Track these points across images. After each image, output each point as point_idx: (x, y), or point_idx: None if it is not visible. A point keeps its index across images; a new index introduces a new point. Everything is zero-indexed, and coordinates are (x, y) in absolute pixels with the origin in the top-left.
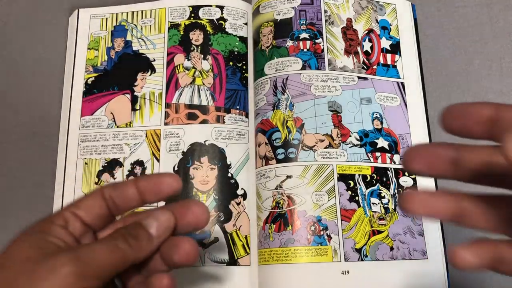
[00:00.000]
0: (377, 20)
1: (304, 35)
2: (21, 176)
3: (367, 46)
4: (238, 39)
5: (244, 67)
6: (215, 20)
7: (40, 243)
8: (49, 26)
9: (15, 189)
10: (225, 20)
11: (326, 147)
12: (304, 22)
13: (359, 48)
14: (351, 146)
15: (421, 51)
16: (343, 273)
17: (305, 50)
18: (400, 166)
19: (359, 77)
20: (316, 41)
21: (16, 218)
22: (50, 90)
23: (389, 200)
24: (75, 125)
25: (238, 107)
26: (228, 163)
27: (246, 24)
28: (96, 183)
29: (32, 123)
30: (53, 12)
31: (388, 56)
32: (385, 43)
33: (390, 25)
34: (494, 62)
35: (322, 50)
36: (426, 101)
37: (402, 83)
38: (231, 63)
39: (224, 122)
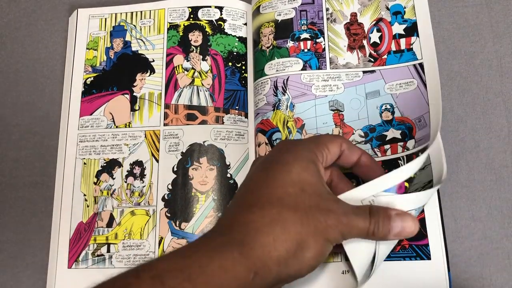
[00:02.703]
0: (387, 7)
1: (304, 35)
2: (21, 176)
3: (375, 37)
4: (237, 39)
5: (243, 67)
6: (214, 21)
7: (320, 189)
8: (49, 26)
9: (15, 189)
10: (224, 21)
11: None
12: (305, 22)
13: (365, 42)
14: (354, 144)
15: None
16: (343, 273)
17: (306, 50)
18: (414, 151)
19: (364, 72)
20: (317, 40)
21: (16, 218)
22: (50, 90)
23: None
24: (74, 125)
25: (237, 107)
26: (227, 163)
27: (245, 24)
28: (95, 183)
29: (32, 123)
30: (53, 12)
31: (402, 41)
32: (398, 29)
33: (404, 7)
34: (494, 62)
35: (323, 49)
36: None
37: (420, 64)
38: (230, 64)
39: (223, 123)
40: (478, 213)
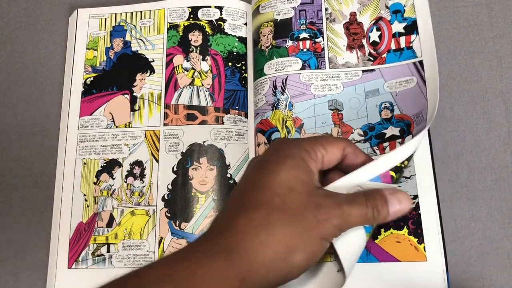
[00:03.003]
0: (387, 6)
1: (304, 35)
2: (21, 176)
3: (374, 36)
4: (237, 39)
5: (243, 67)
6: (214, 21)
7: (310, 186)
8: (49, 26)
9: (15, 189)
10: (224, 21)
11: None
12: (304, 22)
13: (364, 41)
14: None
15: None
16: (338, 271)
17: (305, 50)
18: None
19: (364, 71)
20: (316, 40)
21: (16, 218)
22: (50, 90)
23: None
24: (74, 125)
25: (237, 107)
26: (227, 163)
27: (245, 24)
28: (95, 183)
29: (32, 123)
30: (53, 12)
31: (402, 39)
32: (398, 27)
33: (404, 6)
34: (494, 62)
35: (323, 49)
36: None
37: (420, 61)
38: (230, 64)
39: (223, 123)
40: (478, 213)
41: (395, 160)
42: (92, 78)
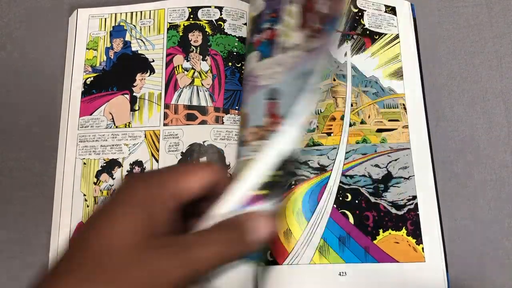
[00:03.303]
0: None
1: (266, 25)
2: (21, 176)
3: (323, 6)
4: (237, 39)
5: (243, 67)
6: (214, 21)
7: (145, 236)
8: (49, 26)
9: (15, 189)
10: (224, 21)
11: (258, 139)
12: (268, 12)
13: (315, 16)
14: (283, 133)
15: (421, 51)
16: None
17: (265, 40)
18: None
19: (308, 51)
20: (275, 27)
21: (16, 218)
22: (50, 90)
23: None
24: (74, 125)
25: (237, 107)
26: (227, 163)
27: (245, 24)
28: (95, 183)
29: (32, 123)
30: (53, 12)
31: None
32: None
33: None
34: (494, 62)
35: (277, 35)
36: (424, 94)
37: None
38: (230, 64)
39: (223, 123)
40: (478, 213)
41: (254, 180)
42: (92, 78)
